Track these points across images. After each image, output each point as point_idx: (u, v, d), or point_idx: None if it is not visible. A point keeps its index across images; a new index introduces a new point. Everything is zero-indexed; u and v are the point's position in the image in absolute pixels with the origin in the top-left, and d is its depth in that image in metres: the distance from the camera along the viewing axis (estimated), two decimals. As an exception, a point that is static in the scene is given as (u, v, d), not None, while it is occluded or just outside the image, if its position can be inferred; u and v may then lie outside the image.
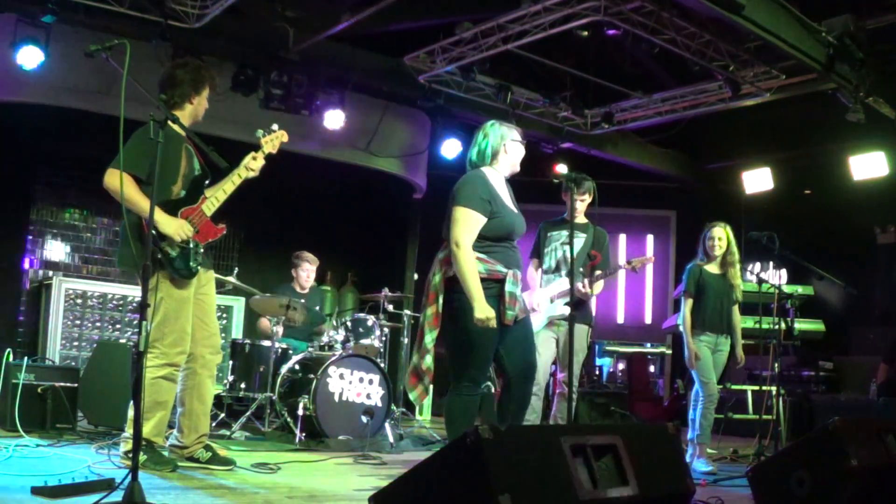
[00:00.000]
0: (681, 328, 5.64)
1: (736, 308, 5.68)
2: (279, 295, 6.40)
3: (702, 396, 5.50)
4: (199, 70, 4.19)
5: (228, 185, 4.16)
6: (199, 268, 4.05)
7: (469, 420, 3.66)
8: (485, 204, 3.70)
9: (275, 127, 4.31)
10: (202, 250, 4.08)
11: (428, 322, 3.68)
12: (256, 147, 4.25)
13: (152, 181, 3.73)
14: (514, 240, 3.86)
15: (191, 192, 4.08)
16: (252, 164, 4.19)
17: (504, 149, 3.90)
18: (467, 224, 3.65)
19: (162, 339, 3.91)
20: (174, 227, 3.91)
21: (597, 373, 9.44)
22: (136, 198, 3.81)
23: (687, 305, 5.60)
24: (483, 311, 3.56)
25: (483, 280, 3.63)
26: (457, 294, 3.64)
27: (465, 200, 3.68)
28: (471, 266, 3.60)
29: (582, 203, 5.23)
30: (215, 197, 4.13)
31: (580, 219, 5.33)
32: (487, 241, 3.73)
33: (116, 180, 3.77)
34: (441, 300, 3.66)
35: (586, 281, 5.10)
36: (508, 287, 3.70)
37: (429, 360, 3.70)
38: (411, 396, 3.80)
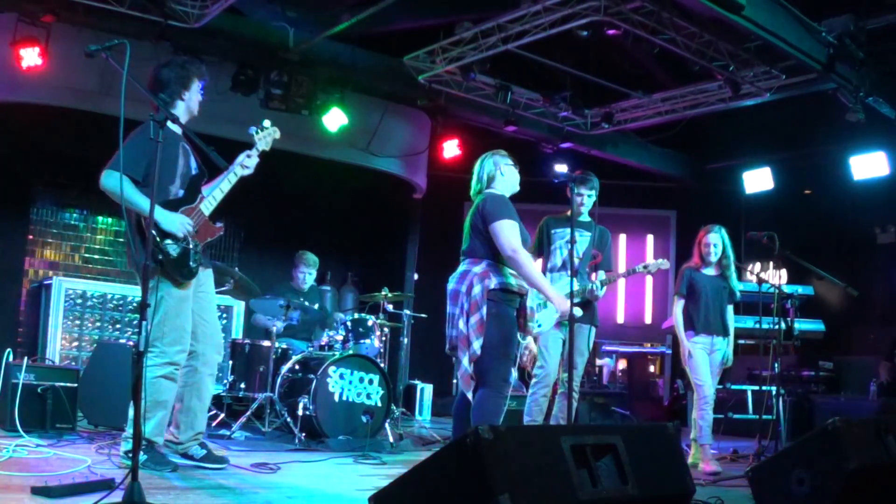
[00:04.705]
0: (675, 328, 5.70)
1: (730, 308, 5.70)
2: (277, 294, 6.40)
3: (697, 397, 5.54)
4: (184, 66, 4.16)
5: (225, 185, 4.16)
6: (198, 267, 4.05)
7: (501, 418, 3.97)
8: (514, 214, 4.07)
9: (266, 123, 4.30)
10: (201, 249, 4.08)
11: (474, 330, 3.95)
12: (252, 146, 4.24)
13: (150, 181, 3.76)
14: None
15: (188, 192, 4.07)
16: (247, 163, 4.19)
17: (500, 172, 4.20)
18: (513, 233, 4.00)
19: (162, 338, 3.90)
20: (176, 223, 3.91)
21: (597, 373, 9.43)
22: (135, 198, 3.80)
23: (678, 306, 5.67)
24: (563, 303, 4.09)
25: (509, 293, 4.00)
26: (495, 303, 3.96)
27: (503, 214, 4.02)
28: (535, 267, 4.05)
29: (588, 200, 5.25)
30: (213, 196, 4.13)
31: (584, 217, 5.33)
32: None
33: (111, 181, 3.79)
34: (484, 310, 3.94)
35: (593, 285, 5.15)
36: (529, 302, 4.09)
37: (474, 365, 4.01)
38: (470, 396, 4.01)
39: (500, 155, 4.27)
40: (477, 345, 3.92)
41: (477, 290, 3.97)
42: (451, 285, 4.12)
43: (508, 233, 3.98)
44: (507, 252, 3.96)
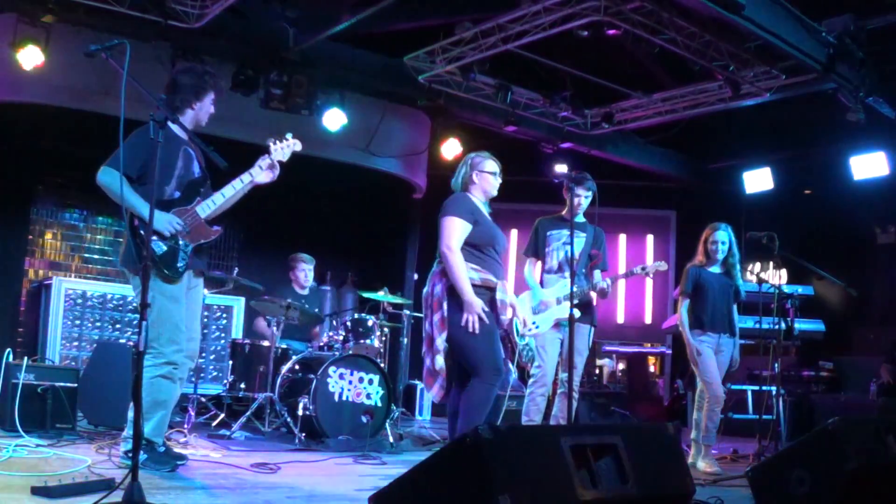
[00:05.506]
0: (680, 328, 5.65)
1: (735, 308, 5.68)
2: (279, 296, 6.40)
3: (706, 397, 5.48)
4: (202, 76, 4.17)
5: (228, 190, 4.13)
6: (186, 268, 4.03)
7: (489, 407, 4.01)
8: (468, 214, 4.13)
9: (288, 136, 4.28)
10: (191, 250, 4.06)
11: (436, 327, 4.03)
12: (265, 151, 4.22)
13: (145, 181, 3.76)
14: (499, 252, 4.26)
15: (185, 194, 4.07)
16: (254, 171, 4.16)
17: (473, 178, 4.29)
18: (455, 230, 4.07)
19: (157, 338, 3.89)
20: (162, 221, 3.92)
21: (597, 373, 9.43)
22: (129, 196, 3.81)
23: (683, 305, 5.61)
24: (473, 303, 3.98)
25: (476, 287, 4.05)
26: (457, 299, 4.00)
27: (450, 212, 4.12)
28: (461, 266, 4.03)
29: (585, 201, 5.25)
30: (212, 200, 4.11)
31: (579, 217, 5.33)
32: (477, 251, 4.14)
33: (107, 177, 3.82)
34: (445, 306, 4.02)
35: (604, 283, 5.20)
36: (499, 295, 4.13)
37: (440, 361, 4.03)
38: (431, 396, 4.10)
39: (483, 160, 4.30)
40: (440, 341, 3.99)
41: (438, 288, 4.07)
42: (425, 289, 4.21)
43: (450, 230, 4.06)
44: (441, 247, 4.05)
